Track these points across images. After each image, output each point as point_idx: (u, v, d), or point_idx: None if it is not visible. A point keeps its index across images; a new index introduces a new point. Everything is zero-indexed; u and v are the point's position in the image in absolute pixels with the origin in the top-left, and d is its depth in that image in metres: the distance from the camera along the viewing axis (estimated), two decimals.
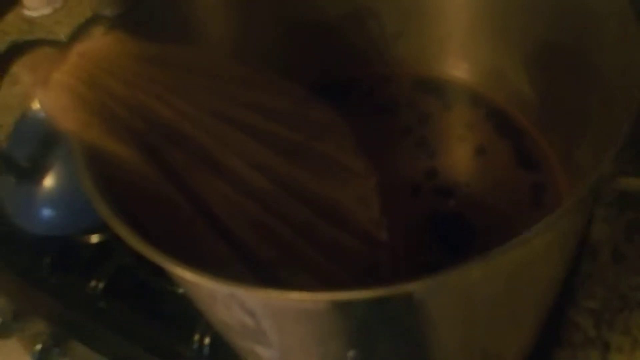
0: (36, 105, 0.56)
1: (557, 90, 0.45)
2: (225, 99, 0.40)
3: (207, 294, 0.32)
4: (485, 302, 0.32)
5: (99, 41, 0.38)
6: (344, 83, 0.55)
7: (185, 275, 0.28)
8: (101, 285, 0.55)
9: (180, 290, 0.53)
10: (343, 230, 0.41)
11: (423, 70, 0.54)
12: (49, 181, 0.53)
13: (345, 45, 0.54)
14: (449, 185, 0.48)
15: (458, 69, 0.53)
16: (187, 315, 0.51)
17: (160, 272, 0.54)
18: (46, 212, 0.54)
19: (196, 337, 0.50)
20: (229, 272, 0.37)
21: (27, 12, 0.85)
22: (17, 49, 0.48)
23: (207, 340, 0.50)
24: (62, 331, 0.58)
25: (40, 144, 0.53)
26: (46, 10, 0.85)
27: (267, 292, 0.27)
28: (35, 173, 0.53)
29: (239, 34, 0.50)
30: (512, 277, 0.31)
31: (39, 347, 0.59)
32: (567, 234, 0.34)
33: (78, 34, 0.46)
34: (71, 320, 0.56)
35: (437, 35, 0.52)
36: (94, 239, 0.59)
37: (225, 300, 0.31)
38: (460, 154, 0.51)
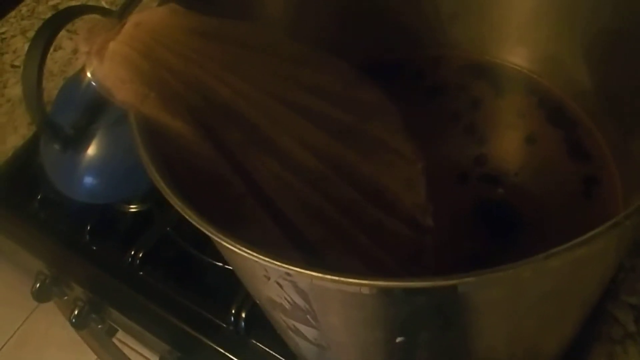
0: (80, 72, 0.56)
1: (615, 80, 0.44)
2: (279, 78, 0.39)
3: (260, 273, 0.32)
4: (533, 299, 0.32)
5: (155, 12, 0.37)
6: (395, 64, 0.54)
7: (244, 254, 0.28)
8: (140, 254, 0.56)
9: (219, 263, 0.53)
10: (389, 214, 0.40)
11: (477, 53, 0.53)
12: (92, 149, 0.53)
13: (398, 25, 0.53)
14: (497, 173, 0.47)
15: (514, 54, 0.52)
16: (224, 287, 0.52)
17: (199, 244, 0.55)
18: (88, 180, 0.54)
19: (233, 310, 0.51)
20: (276, 251, 0.37)
21: None
22: (62, 16, 0.48)
23: (243, 314, 0.50)
24: (99, 298, 0.59)
25: (84, 111, 0.53)
26: None
27: (324, 274, 0.27)
28: (79, 141, 0.52)
29: (294, 11, 0.49)
30: (564, 277, 0.31)
31: (76, 312, 0.60)
32: (626, 234, 0.33)
33: (129, 3, 0.45)
34: (108, 288, 0.57)
35: (495, 18, 0.50)
36: (135, 208, 0.59)
37: (278, 280, 0.31)
38: (510, 141, 0.50)
